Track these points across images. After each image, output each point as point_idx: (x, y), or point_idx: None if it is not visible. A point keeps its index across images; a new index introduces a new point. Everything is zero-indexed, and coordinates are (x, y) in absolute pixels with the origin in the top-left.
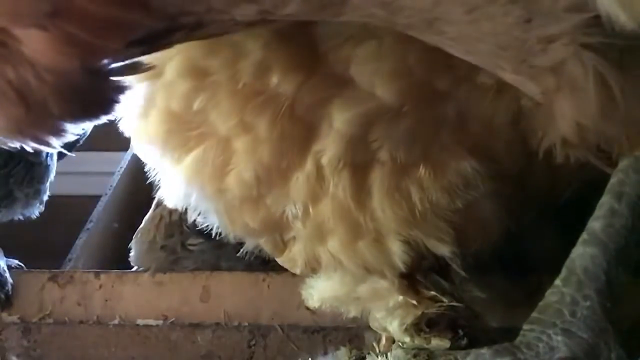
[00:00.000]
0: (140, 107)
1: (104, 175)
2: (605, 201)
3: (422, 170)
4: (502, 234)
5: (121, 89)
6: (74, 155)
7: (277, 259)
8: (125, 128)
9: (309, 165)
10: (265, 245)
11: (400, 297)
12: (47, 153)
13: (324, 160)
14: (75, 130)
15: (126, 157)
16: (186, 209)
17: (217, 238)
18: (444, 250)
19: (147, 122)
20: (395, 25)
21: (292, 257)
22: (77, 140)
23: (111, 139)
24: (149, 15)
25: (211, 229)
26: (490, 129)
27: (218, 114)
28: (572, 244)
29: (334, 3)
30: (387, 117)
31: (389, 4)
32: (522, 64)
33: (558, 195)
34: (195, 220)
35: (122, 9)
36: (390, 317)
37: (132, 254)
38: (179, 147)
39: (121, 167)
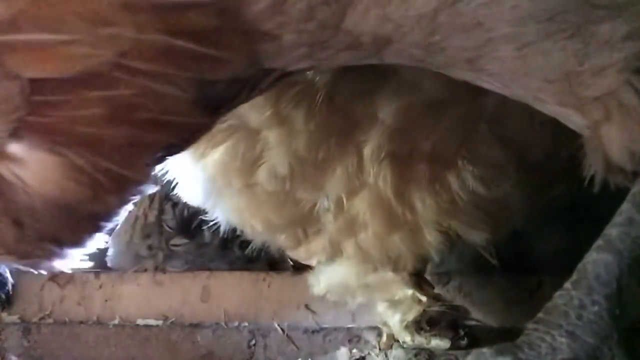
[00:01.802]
0: None
1: None
2: (625, 209)
3: (460, 160)
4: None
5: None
6: None
7: (289, 252)
8: None
9: (349, 156)
10: (286, 240)
11: (410, 291)
12: None
13: (367, 151)
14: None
15: None
16: (163, 209)
17: (200, 238)
18: (479, 238)
19: None
20: (429, 65)
21: (311, 250)
22: None
23: None
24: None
25: (194, 229)
26: (529, 124)
27: (249, 106)
28: (576, 246)
29: (380, 48)
30: (432, 108)
31: (434, 44)
32: (569, 95)
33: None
34: (176, 220)
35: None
36: (392, 309)
37: (108, 254)
38: (205, 141)
39: None
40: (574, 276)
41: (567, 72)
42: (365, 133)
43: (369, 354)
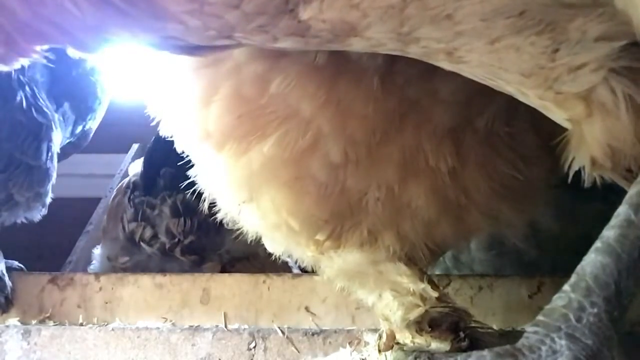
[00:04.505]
0: (196, 98)
1: (104, 177)
2: (622, 211)
3: (505, 143)
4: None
5: None
6: (74, 157)
7: (306, 259)
8: (168, 127)
9: (407, 138)
10: (322, 235)
11: (422, 285)
12: (47, 155)
13: (426, 131)
14: None
15: (126, 159)
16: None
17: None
18: (521, 222)
19: (208, 112)
20: (407, 54)
21: (337, 244)
22: (80, 144)
23: (111, 141)
24: None
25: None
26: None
27: (301, 94)
28: None
29: (341, 37)
30: (486, 85)
31: (405, 35)
32: (547, 90)
33: None
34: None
35: None
36: (397, 301)
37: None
38: (250, 134)
39: (121, 170)
40: (573, 278)
41: (540, 67)
42: (425, 112)
43: (369, 355)
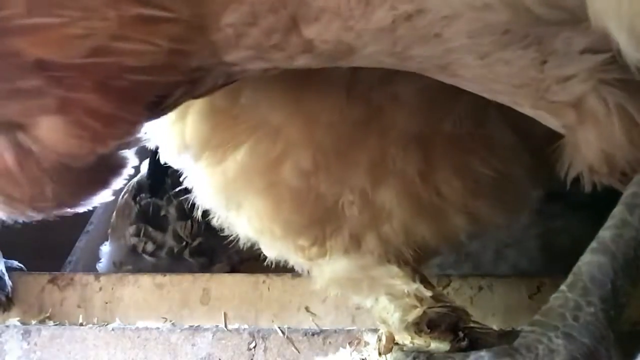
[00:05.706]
0: (174, 111)
1: None
2: (618, 212)
3: (478, 142)
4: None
5: (122, 165)
6: None
7: (298, 263)
8: (153, 137)
9: (374, 144)
10: (304, 241)
11: (415, 286)
12: None
13: (391, 137)
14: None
15: None
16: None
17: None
18: (500, 218)
19: (185, 124)
20: (407, 69)
21: (323, 250)
22: None
23: None
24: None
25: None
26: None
27: (269, 104)
28: None
29: (344, 55)
30: (448, 88)
31: (399, 53)
32: (539, 100)
33: None
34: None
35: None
36: (394, 304)
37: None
38: (224, 144)
39: None
40: (570, 278)
41: (530, 78)
42: (388, 118)
43: (369, 356)
